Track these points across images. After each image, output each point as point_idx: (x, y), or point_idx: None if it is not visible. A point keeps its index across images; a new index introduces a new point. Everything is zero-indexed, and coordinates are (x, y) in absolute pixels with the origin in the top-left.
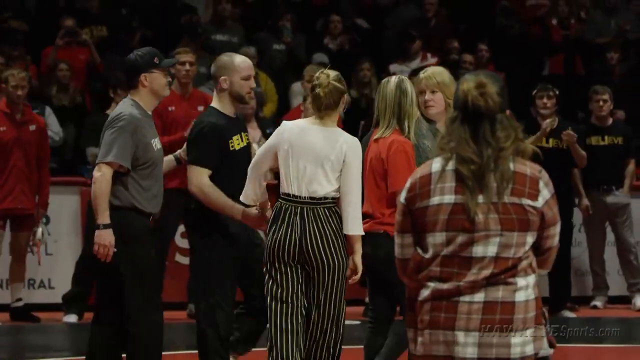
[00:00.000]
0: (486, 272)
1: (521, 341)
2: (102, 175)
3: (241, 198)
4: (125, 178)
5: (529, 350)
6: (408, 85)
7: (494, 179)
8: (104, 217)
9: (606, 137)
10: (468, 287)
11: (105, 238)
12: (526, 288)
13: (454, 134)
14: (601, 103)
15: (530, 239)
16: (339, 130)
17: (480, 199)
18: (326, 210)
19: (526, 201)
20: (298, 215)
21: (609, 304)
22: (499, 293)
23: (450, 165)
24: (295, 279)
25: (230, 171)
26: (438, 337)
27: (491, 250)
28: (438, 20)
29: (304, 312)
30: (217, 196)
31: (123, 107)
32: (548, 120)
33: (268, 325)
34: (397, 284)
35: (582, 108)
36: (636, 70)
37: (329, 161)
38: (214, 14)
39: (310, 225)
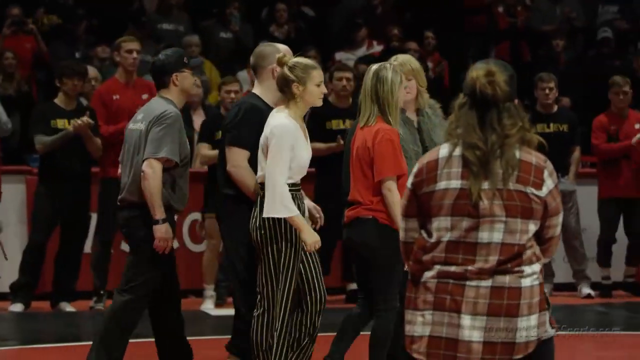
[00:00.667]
0: (493, 260)
1: (526, 326)
2: (153, 172)
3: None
4: (163, 175)
5: (534, 334)
6: (388, 73)
7: (500, 166)
8: (161, 212)
9: (551, 125)
10: (475, 273)
11: (165, 232)
12: (531, 275)
13: (462, 119)
14: (547, 91)
15: (532, 226)
16: (277, 115)
17: (485, 185)
18: (263, 196)
19: (530, 190)
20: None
21: (554, 291)
22: (506, 279)
23: (457, 151)
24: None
25: None
26: (443, 318)
27: (496, 236)
28: (384, 9)
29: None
30: (252, 180)
31: (165, 106)
32: None
33: None
34: (382, 269)
35: (527, 96)
36: (582, 57)
37: (262, 146)
38: (159, 3)
39: (255, 209)
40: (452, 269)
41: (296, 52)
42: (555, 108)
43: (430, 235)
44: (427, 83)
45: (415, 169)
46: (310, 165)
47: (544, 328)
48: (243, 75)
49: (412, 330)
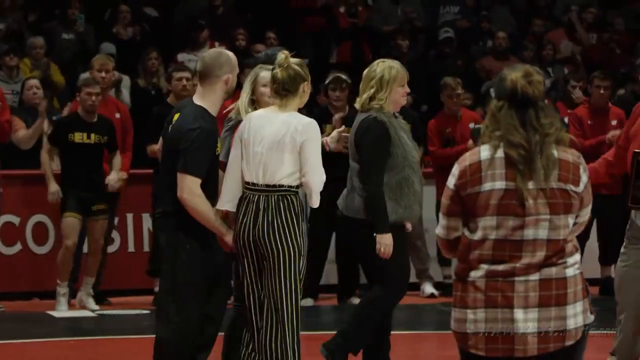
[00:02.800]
0: (540, 255)
1: (574, 313)
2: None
3: (217, 205)
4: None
5: (580, 321)
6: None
7: (541, 165)
8: None
9: None
10: (523, 269)
11: None
12: (573, 265)
13: (502, 121)
14: None
15: (571, 220)
16: (295, 113)
17: (530, 184)
18: (280, 198)
19: (570, 187)
20: (253, 204)
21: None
22: (552, 270)
23: (499, 153)
24: (249, 268)
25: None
26: (496, 315)
27: (542, 233)
28: (225, 9)
29: (257, 306)
30: (208, 207)
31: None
32: (336, 116)
33: None
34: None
35: None
36: (424, 57)
37: (283, 145)
38: None
39: (262, 214)
40: (500, 267)
41: (139, 53)
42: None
43: (472, 232)
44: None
45: (456, 171)
46: (148, 166)
47: (586, 314)
48: (85, 76)
49: (463, 328)
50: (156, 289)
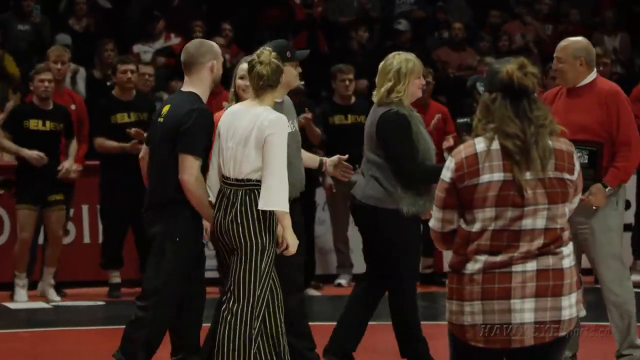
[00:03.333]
0: (538, 243)
1: (569, 304)
2: None
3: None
4: None
5: (574, 312)
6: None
7: (537, 155)
8: None
9: (349, 116)
10: (520, 258)
11: None
12: (569, 255)
13: (496, 113)
14: (347, 82)
15: (567, 208)
16: (267, 108)
17: (528, 175)
18: (247, 192)
19: (566, 175)
20: (225, 197)
21: (353, 282)
22: (550, 261)
23: (495, 145)
24: (225, 262)
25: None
26: (492, 306)
27: (540, 222)
28: (181, 1)
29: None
30: (205, 192)
31: None
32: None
33: None
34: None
35: (325, 87)
36: (379, 48)
37: (250, 140)
38: None
39: (231, 208)
40: (498, 258)
41: (94, 44)
42: (354, 99)
43: (469, 224)
44: (225, 74)
45: (452, 164)
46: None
47: (580, 305)
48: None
49: (461, 320)
50: (111, 279)
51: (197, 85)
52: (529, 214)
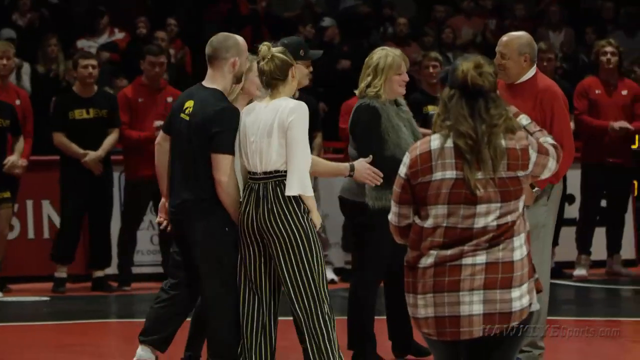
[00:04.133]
0: (488, 237)
1: (519, 295)
2: None
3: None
4: None
5: (525, 302)
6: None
7: (489, 155)
8: None
9: None
10: (471, 251)
11: None
12: (520, 247)
13: (452, 111)
14: None
15: (521, 202)
16: (286, 98)
17: (479, 174)
18: (277, 184)
19: (520, 173)
20: (254, 192)
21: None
22: (499, 254)
23: (449, 143)
24: (257, 259)
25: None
26: (442, 299)
27: (492, 220)
28: None
29: (269, 296)
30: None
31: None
32: None
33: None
34: None
35: None
36: (330, 44)
37: (273, 131)
38: None
39: (262, 202)
40: (449, 252)
41: (38, 39)
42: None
43: (424, 220)
44: (170, 70)
45: (407, 160)
46: (49, 153)
47: (532, 294)
48: None
49: (416, 313)
50: (57, 274)
51: (219, 81)
52: (482, 212)
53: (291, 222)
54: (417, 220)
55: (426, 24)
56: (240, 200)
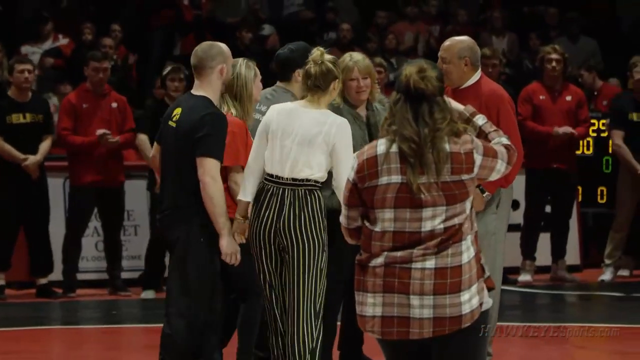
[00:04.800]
0: (436, 242)
1: (469, 297)
2: None
3: (240, 197)
4: None
5: (475, 302)
6: (242, 68)
7: (432, 159)
8: None
9: None
10: (420, 255)
11: None
12: (468, 249)
13: (397, 115)
14: None
15: (468, 204)
16: (328, 111)
17: (423, 178)
18: (306, 192)
19: (465, 176)
20: (278, 197)
21: None
22: (448, 260)
23: (394, 147)
24: (269, 260)
25: None
26: (392, 299)
27: (438, 223)
28: (70, 2)
29: (283, 298)
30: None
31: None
32: None
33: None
34: None
35: None
36: (272, 51)
37: (315, 144)
38: None
39: (288, 207)
40: (399, 254)
41: None
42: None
43: (373, 224)
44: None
45: (355, 165)
46: None
47: (482, 294)
48: None
49: (363, 311)
50: None
51: (207, 88)
52: (428, 216)
53: (316, 232)
54: (367, 224)
55: (368, 30)
56: (250, 201)
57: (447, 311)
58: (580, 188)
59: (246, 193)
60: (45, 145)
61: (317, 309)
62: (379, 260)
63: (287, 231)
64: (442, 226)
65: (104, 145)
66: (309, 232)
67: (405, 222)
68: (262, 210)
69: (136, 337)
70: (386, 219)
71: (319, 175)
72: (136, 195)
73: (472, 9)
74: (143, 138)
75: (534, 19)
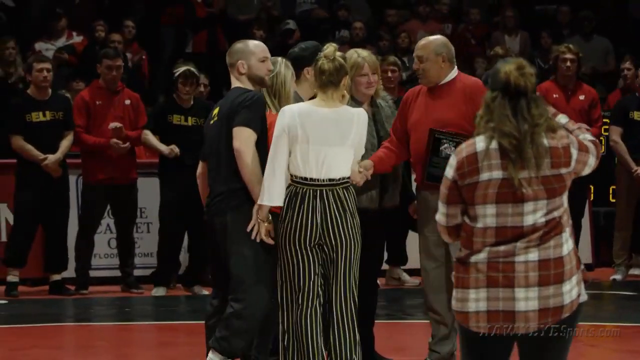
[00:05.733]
0: (538, 234)
1: (569, 288)
2: None
3: (266, 201)
4: None
5: (575, 293)
6: (281, 67)
7: (532, 153)
8: None
9: None
10: (523, 248)
11: None
12: (567, 241)
13: (495, 112)
14: None
15: (565, 197)
16: (346, 107)
17: (524, 173)
18: (344, 191)
19: (563, 170)
20: (317, 198)
21: None
22: (550, 251)
23: (494, 144)
24: (314, 262)
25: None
26: (497, 294)
27: (540, 216)
28: None
29: (321, 300)
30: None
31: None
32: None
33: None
34: None
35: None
36: (281, 46)
37: (347, 140)
38: None
39: (331, 207)
40: (502, 248)
41: None
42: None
43: (474, 221)
44: (127, 73)
45: (454, 162)
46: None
47: (580, 285)
48: None
49: (465, 307)
50: (9, 278)
51: (235, 82)
52: (530, 210)
53: (357, 228)
54: (467, 221)
55: (379, 28)
56: (279, 205)
57: (550, 302)
58: (592, 187)
59: (272, 197)
60: (66, 143)
61: (357, 301)
62: (481, 256)
63: (335, 230)
64: (543, 219)
65: (116, 148)
66: (353, 228)
67: (507, 217)
68: (303, 214)
69: (148, 334)
70: (488, 215)
71: (349, 170)
72: (149, 193)
73: (484, 8)
74: (146, 132)
75: (546, 18)
